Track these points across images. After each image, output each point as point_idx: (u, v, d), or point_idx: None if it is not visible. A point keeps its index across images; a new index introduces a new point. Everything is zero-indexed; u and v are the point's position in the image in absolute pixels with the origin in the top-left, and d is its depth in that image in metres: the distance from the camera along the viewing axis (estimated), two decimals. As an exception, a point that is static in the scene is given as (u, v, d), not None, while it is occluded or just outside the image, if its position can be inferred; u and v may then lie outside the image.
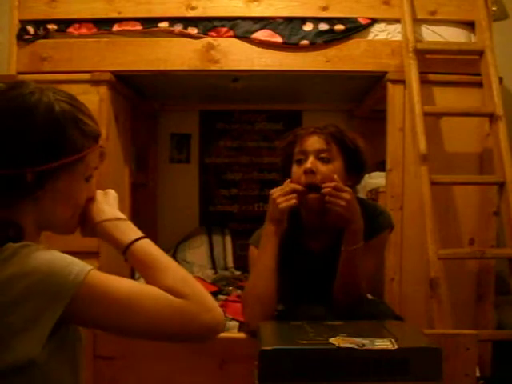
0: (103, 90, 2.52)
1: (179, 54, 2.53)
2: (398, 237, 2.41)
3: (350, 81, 2.77)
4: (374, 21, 2.53)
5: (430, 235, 2.14)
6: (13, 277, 0.82)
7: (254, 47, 2.52)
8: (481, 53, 2.42)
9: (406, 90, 2.43)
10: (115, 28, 2.53)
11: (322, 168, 1.60)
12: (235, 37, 2.52)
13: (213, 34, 2.53)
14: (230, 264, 3.36)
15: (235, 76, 2.77)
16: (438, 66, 2.52)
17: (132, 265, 0.98)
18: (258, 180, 3.69)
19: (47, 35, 2.55)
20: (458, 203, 2.48)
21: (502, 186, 2.27)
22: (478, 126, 2.48)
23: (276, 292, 1.58)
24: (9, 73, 2.54)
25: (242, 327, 2.13)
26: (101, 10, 2.53)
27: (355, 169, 1.66)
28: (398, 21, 2.51)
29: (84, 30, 2.54)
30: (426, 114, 2.33)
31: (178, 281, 0.90)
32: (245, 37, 2.51)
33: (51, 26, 2.53)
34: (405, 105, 2.46)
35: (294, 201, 1.56)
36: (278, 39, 2.50)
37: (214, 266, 3.31)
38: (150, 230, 3.23)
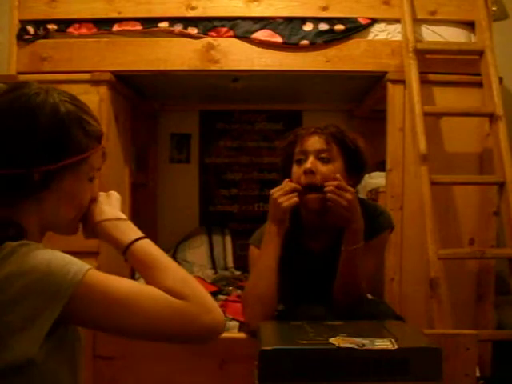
0: (103, 89, 2.51)
1: (179, 54, 2.53)
2: (398, 237, 2.41)
3: (350, 81, 2.77)
4: (373, 21, 2.53)
5: (429, 235, 2.14)
6: (11, 275, 0.82)
7: (254, 47, 2.52)
8: (481, 53, 2.42)
9: (406, 90, 2.43)
10: (115, 28, 2.53)
11: (322, 168, 1.60)
12: (235, 37, 2.52)
13: (213, 34, 2.53)
14: (230, 264, 3.36)
15: (235, 76, 2.77)
16: (438, 66, 2.52)
17: (132, 265, 0.98)
18: (258, 180, 3.69)
19: (47, 35, 2.55)
20: (458, 203, 2.48)
21: (502, 186, 2.27)
22: (478, 126, 2.48)
23: (277, 292, 1.58)
24: (9, 73, 2.54)
25: (242, 327, 2.13)
26: (101, 10, 2.53)
27: (355, 169, 1.66)
28: (398, 21, 2.51)
29: (84, 30, 2.53)
30: (425, 114, 2.33)
31: (178, 281, 0.90)
32: (245, 37, 2.51)
33: (51, 26, 2.53)
34: (405, 105, 2.46)
35: (295, 199, 1.56)
36: (278, 39, 2.50)
37: (214, 266, 3.30)
38: (150, 230, 3.23)
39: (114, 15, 2.53)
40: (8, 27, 2.58)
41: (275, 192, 1.58)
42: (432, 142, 2.35)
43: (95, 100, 2.45)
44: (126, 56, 2.53)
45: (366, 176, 2.57)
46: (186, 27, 2.52)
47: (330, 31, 2.50)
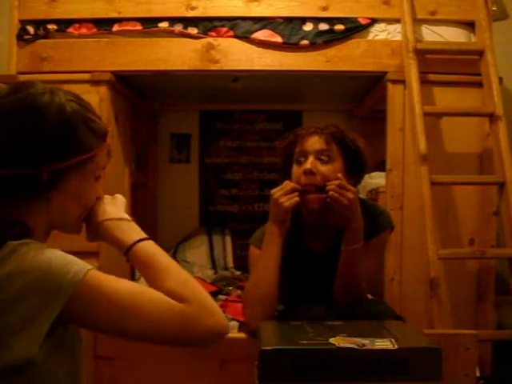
0: (103, 89, 2.52)
1: (179, 54, 2.53)
2: (398, 237, 2.41)
3: (350, 81, 2.77)
4: (373, 21, 2.53)
5: (429, 235, 2.14)
6: (11, 274, 0.82)
7: (254, 47, 2.52)
8: (481, 53, 2.42)
9: (406, 90, 2.43)
10: (115, 28, 2.53)
11: (322, 168, 1.59)
12: (235, 37, 2.52)
13: (213, 34, 2.53)
14: (230, 264, 3.36)
15: (235, 76, 2.77)
16: (438, 66, 2.52)
17: (134, 265, 0.98)
18: (258, 180, 3.69)
19: (47, 35, 2.55)
20: (458, 203, 2.48)
21: (502, 186, 2.27)
22: (478, 126, 2.48)
23: (277, 293, 1.58)
24: (9, 73, 2.54)
25: (242, 327, 2.13)
26: (101, 10, 2.53)
27: (355, 169, 1.66)
28: (398, 21, 2.51)
29: (84, 30, 2.53)
30: (425, 114, 2.33)
31: (180, 283, 0.90)
32: (245, 37, 2.51)
33: (51, 26, 2.53)
34: (405, 105, 2.46)
35: (296, 199, 1.56)
36: (278, 39, 2.50)
37: (214, 266, 3.30)
38: (150, 230, 3.21)
39: (114, 15, 2.52)
40: (8, 27, 2.58)
41: (276, 192, 1.58)
42: (432, 141, 2.35)
43: (95, 100, 2.44)
44: (126, 56, 2.53)
45: (366, 176, 2.57)
46: (185, 27, 2.52)
47: (330, 31, 2.50)
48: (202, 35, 2.52)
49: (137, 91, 3.04)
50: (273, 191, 1.59)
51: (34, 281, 0.82)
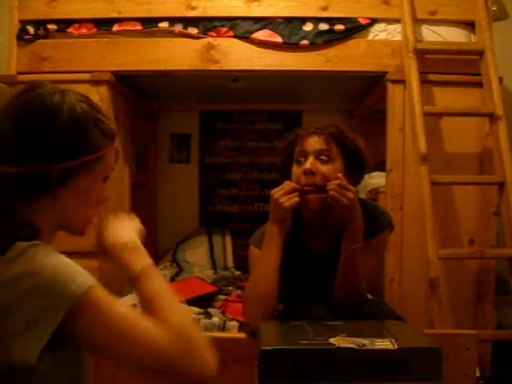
0: (103, 89, 2.52)
1: (179, 54, 2.53)
2: (398, 237, 2.41)
3: (350, 81, 2.77)
4: (374, 21, 2.53)
5: (429, 235, 2.14)
6: (18, 276, 0.83)
7: (254, 47, 2.53)
8: (481, 53, 2.42)
9: (406, 90, 2.43)
10: (115, 28, 2.53)
11: (322, 168, 1.59)
12: (235, 37, 2.52)
13: (213, 34, 2.53)
14: (230, 264, 3.36)
15: (235, 76, 2.77)
16: (438, 66, 2.52)
17: (138, 295, 0.97)
18: (258, 180, 3.70)
19: (47, 35, 2.55)
20: (458, 203, 2.48)
21: (502, 186, 2.27)
22: (478, 126, 2.48)
23: (277, 293, 1.57)
24: (9, 73, 2.54)
25: (242, 327, 2.13)
26: (101, 10, 2.53)
27: (355, 169, 1.66)
28: (398, 21, 2.51)
29: (84, 30, 2.54)
30: (425, 114, 2.33)
31: (177, 325, 0.89)
32: (245, 37, 2.51)
33: (51, 26, 2.54)
34: (405, 105, 2.46)
35: (296, 199, 1.56)
36: (278, 39, 2.50)
37: (214, 266, 3.30)
38: (150, 230, 3.23)
39: (114, 15, 2.53)
40: (8, 27, 2.58)
41: (276, 192, 1.57)
42: (432, 141, 2.35)
43: (95, 100, 2.37)
44: (126, 56, 2.53)
45: (366, 176, 2.57)
46: (186, 27, 2.53)
47: (330, 31, 2.50)
48: (202, 35, 2.52)
49: (137, 91, 3.04)
50: (273, 191, 1.59)
51: (41, 284, 0.82)
